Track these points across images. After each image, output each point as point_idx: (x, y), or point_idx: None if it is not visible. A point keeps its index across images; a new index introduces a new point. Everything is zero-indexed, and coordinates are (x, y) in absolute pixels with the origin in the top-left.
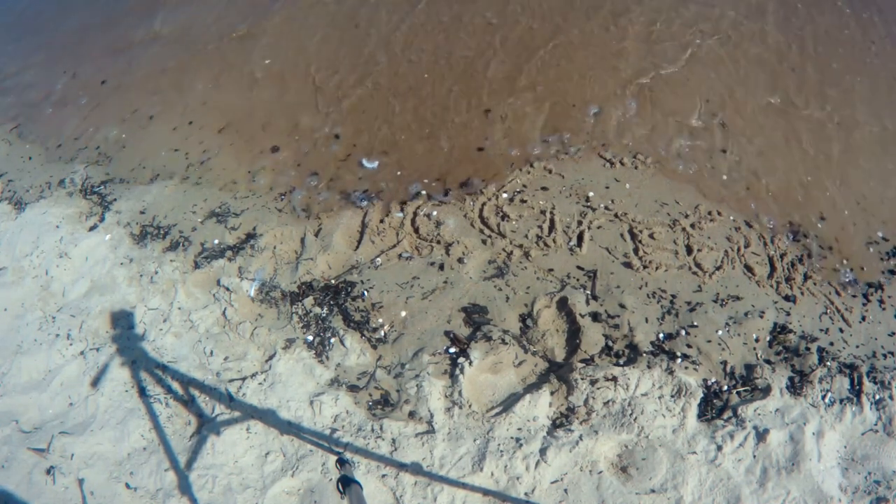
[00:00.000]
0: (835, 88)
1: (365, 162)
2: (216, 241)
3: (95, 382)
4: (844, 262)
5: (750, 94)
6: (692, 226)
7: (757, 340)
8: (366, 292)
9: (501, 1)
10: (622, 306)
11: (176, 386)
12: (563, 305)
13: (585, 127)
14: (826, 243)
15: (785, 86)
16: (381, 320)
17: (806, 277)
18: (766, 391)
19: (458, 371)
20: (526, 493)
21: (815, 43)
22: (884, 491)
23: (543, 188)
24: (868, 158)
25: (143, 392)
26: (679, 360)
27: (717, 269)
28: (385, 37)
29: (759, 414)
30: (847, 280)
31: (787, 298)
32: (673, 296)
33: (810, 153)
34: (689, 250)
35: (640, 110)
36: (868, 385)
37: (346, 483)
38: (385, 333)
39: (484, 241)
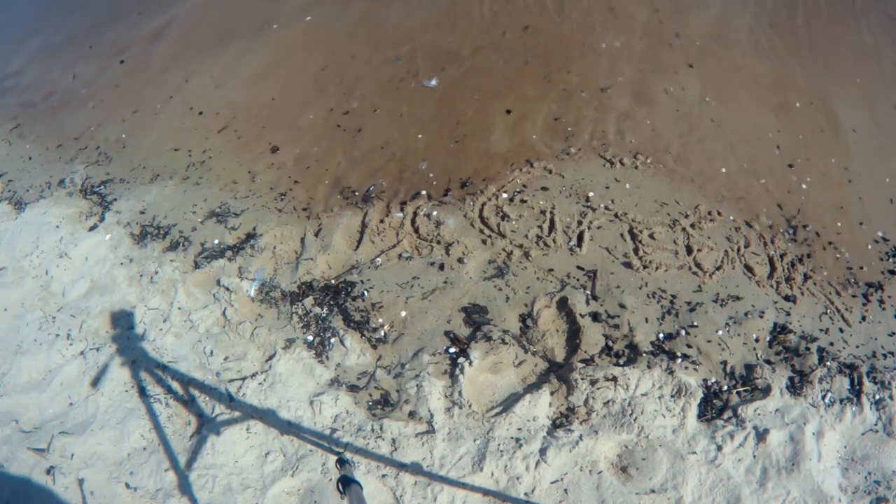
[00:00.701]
0: (834, 81)
1: (426, 81)
2: (216, 241)
3: (95, 382)
4: (845, 261)
5: (750, 91)
6: (692, 226)
7: (757, 340)
8: (366, 292)
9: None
10: (622, 306)
11: (176, 386)
12: (563, 305)
13: (586, 126)
14: (826, 243)
15: (783, 82)
16: (381, 320)
17: (806, 277)
18: (766, 391)
19: (458, 371)
20: (526, 493)
21: (810, 35)
22: (884, 491)
23: (543, 188)
24: (867, 154)
25: (143, 392)
26: (679, 360)
27: (717, 269)
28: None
29: (759, 414)
30: (846, 280)
31: (787, 298)
32: (673, 296)
33: (809, 151)
34: (689, 250)
35: (640, 109)
36: (868, 385)
37: (346, 483)
38: (385, 333)
39: (484, 241)
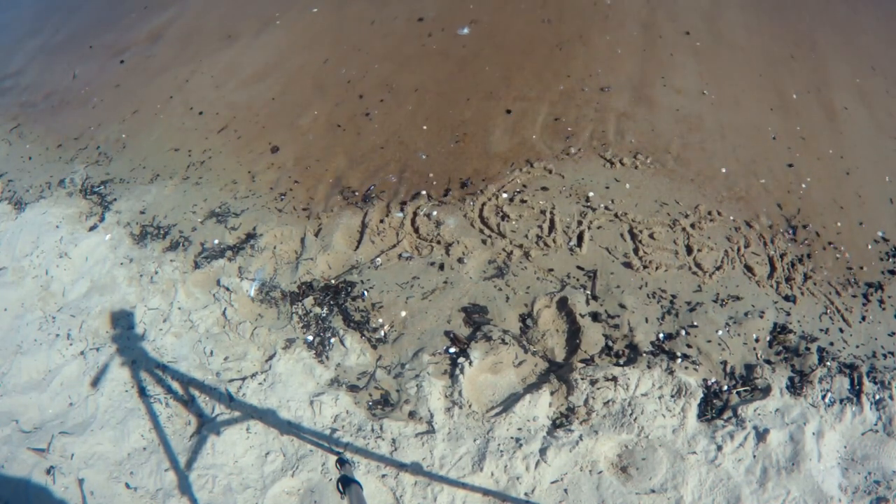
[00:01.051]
0: (832, 79)
1: (459, 30)
2: (216, 241)
3: (95, 382)
4: (845, 261)
5: (749, 90)
6: (692, 226)
7: (757, 340)
8: (366, 292)
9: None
10: (622, 306)
11: (176, 386)
12: (563, 305)
13: (585, 125)
14: (826, 243)
15: (781, 80)
16: (381, 320)
17: (806, 277)
18: (766, 391)
19: (458, 371)
20: (526, 493)
21: (810, 27)
22: (884, 491)
23: (543, 188)
24: (866, 154)
25: (143, 392)
26: (679, 360)
27: (717, 269)
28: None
29: (759, 414)
30: (846, 280)
31: (787, 298)
32: (673, 296)
33: (808, 151)
34: (689, 250)
35: (640, 109)
36: (868, 385)
37: (346, 483)
38: (385, 333)
39: (484, 241)
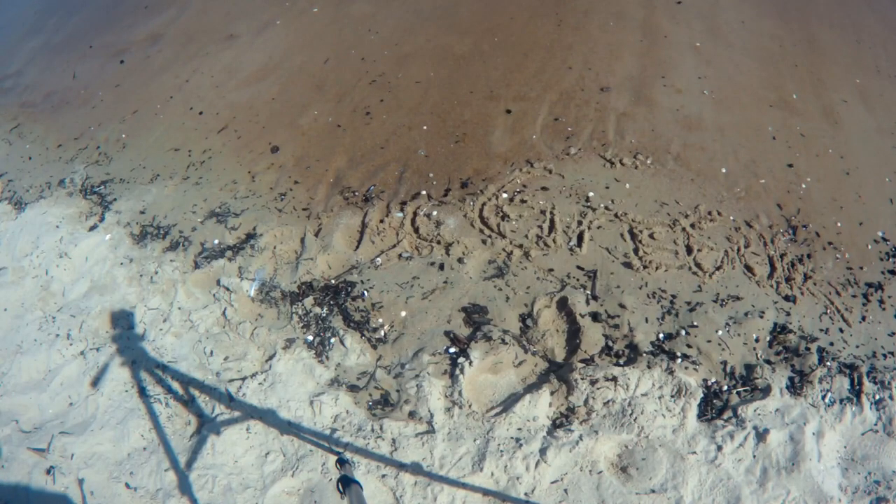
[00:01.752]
0: (832, 79)
1: None
2: (216, 241)
3: (95, 382)
4: (845, 261)
5: (749, 90)
6: (692, 226)
7: (757, 340)
8: (366, 292)
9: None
10: (622, 306)
11: (176, 386)
12: (563, 305)
13: (585, 125)
14: (826, 243)
15: (781, 79)
16: (381, 320)
17: (806, 277)
18: (766, 391)
19: (458, 371)
20: (526, 493)
21: (810, 26)
22: (884, 491)
23: (543, 188)
24: (866, 154)
25: (143, 392)
26: (679, 360)
27: (717, 269)
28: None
29: (759, 414)
30: (846, 280)
31: (787, 298)
32: (673, 296)
33: (808, 151)
34: (689, 250)
35: (640, 109)
36: (868, 385)
37: (346, 483)
38: (385, 333)
39: (484, 241)
